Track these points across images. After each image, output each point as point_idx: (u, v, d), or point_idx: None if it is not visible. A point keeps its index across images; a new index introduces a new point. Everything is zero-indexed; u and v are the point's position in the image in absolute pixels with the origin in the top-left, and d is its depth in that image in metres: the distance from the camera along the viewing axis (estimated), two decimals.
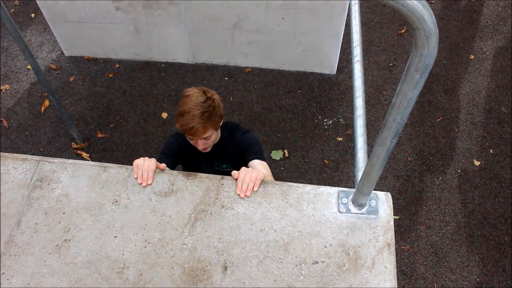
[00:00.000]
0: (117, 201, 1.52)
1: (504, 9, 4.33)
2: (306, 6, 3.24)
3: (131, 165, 1.59)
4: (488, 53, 4.02)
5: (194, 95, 1.75)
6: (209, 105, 1.74)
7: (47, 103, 3.74)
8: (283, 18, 3.37)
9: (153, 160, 1.60)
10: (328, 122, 3.58)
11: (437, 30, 0.74)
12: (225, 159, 2.03)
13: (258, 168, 1.80)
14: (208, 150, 1.93)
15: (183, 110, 1.73)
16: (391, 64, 3.88)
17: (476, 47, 4.07)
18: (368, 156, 1.34)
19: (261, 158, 1.90)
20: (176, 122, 1.80)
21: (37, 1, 3.62)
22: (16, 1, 4.48)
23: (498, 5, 4.35)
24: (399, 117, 0.95)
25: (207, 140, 1.83)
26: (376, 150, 1.09)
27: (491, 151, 3.45)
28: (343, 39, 3.52)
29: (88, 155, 3.44)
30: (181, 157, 2.02)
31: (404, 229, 3.11)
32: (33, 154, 3.58)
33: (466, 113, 3.64)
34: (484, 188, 3.27)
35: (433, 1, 4.39)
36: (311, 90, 3.74)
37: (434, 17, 0.73)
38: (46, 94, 3.72)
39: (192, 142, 1.86)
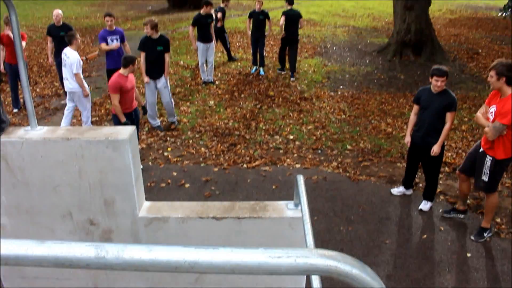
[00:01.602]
0: None
1: (453, 243, 4.60)
2: None
3: None
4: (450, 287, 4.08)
5: None
6: None
7: None
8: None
9: None
10: None
11: None
12: None
13: None
14: None
15: None
16: None
17: (437, 282, 4.13)
18: None
19: None
20: None
21: None
22: None
23: (447, 239, 4.64)
24: None
25: None
26: None
27: None
28: None
29: None
30: None
31: None
32: None
33: None
34: None
35: (387, 241, 4.64)
36: None
37: (383, 285, 0.77)
38: None
39: None
